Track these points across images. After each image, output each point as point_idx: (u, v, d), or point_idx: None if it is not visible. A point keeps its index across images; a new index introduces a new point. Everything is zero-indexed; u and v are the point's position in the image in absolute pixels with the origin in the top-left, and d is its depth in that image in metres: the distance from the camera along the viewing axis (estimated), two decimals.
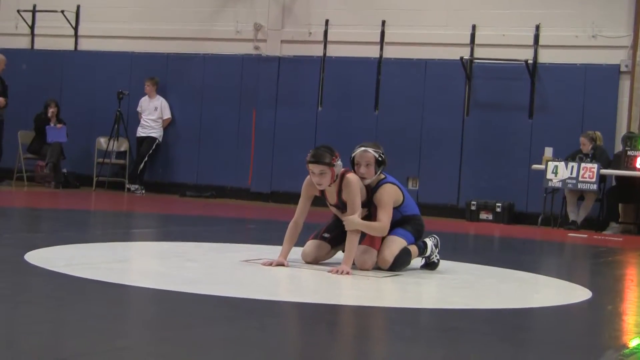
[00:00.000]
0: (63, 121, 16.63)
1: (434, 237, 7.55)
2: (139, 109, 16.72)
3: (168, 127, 16.81)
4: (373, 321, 5.35)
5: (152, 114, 16.62)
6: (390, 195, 7.21)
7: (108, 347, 4.10)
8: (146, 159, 16.53)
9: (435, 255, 7.47)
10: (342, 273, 6.67)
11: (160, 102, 16.69)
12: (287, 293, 5.94)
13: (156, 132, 16.66)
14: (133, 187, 16.50)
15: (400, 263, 7.14)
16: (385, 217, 7.08)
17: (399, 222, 7.30)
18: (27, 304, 5.15)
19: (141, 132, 16.69)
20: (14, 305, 5.08)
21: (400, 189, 7.42)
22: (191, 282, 6.01)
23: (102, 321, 4.72)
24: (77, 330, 4.49)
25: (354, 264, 6.94)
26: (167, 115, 16.72)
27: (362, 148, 7.30)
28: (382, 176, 7.35)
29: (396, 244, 7.14)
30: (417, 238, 7.35)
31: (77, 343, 4.16)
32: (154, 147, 16.58)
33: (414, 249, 7.29)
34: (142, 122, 16.68)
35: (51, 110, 16.40)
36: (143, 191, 16.44)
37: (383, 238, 7.14)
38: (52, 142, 16.29)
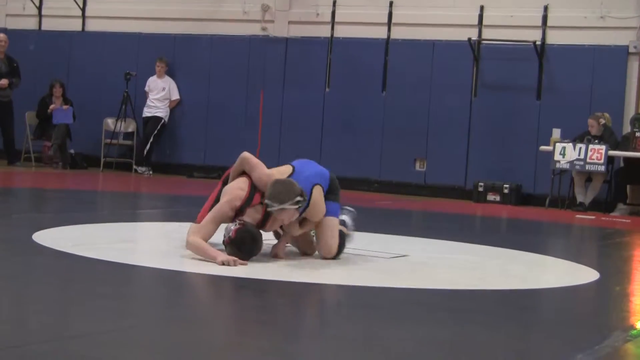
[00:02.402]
0: (70, 101, 16.64)
1: (352, 210, 7.11)
2: (146, 88, 16.71)
3: (175, 108, 16.80)
4: (380, 301, 5.35)
5: (159, 94, 16.61)
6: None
7: (115, 327, 4.11)
8: (152, 139, 16.53)
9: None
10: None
11: (168, 82, 16.67)
12: (294, 273, 5.94)
13: (162, 112, 16.65)
14: (140, 169, 16.51)
15: (341, 250, 6.69)
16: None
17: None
18: (35, 283, 5.16)
19: (147, 112, 16.69)
20: (22, 285, 5.09)
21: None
22: (197, 262, 6.01)
23: (109, 301, 4.73)
24: (84, 309, 4.50)
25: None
26: (176, 96, 16.71)
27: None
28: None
29: (337, 230, 6.64)
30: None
31: (85, 322, 4.17)
32: (159, 126, 16.57)
33: (344, 230, 6.82)
34: (148, 102, 16.66)
35: (55, 90, 16.45)
36: (150, 172, 16.45)
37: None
38: (58, 124, 16.31)
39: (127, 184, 14.78)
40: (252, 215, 6.23)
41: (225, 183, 6.56)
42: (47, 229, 7.12)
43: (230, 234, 6.06)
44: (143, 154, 16.57)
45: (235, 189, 6.27)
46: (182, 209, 11.01)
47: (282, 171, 6.49)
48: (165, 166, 16.81)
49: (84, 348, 3.68)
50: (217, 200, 6.45)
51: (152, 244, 7.49)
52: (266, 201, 6.18)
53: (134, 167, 16.64)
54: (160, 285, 5.52)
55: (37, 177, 14.87)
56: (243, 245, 6.05)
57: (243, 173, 6.40)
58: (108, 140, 16.84)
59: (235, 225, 6.11)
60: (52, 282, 5.25)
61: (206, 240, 6.13)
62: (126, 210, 10.48)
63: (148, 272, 5.77)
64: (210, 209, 6.35)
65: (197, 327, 4.25)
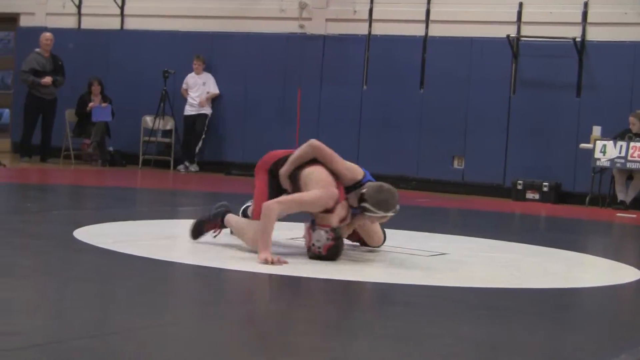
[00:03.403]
0: (109, 99, 16.75)
1: None
2: (184, 86, 16.75)
3: (214, 105, 16.84)
4: (418, 299, 5.34)
5: (199, 89, 16.64)
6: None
7: (155, 323, 4.12)
8: (204, 136, 16.61)
9: None
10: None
11: (207, 78, 16.70)
12: (333, 271, 5.93)
13: (206, 109, 16.69)
14: (192, 167, 16.54)
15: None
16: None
17: None
18: (76, 279, 5.20)
19: (190, 110, 16.69)
20: (63, 281, 5.13)
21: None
22: (237, 259, 6.02)
23: (149, 297, 4.75)
24: (124, 305, 4.52)
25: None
26: (215, 90, 16.70)
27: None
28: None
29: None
30: None
31: (125, 318, 4.19)
32: (207, 123, 16.65)
33: None
34: (189, 100, 16.69)
35: (94, 88, 16.57)
36: (192, 169, 16.51)
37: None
38: (97, 121, 16.42)
39: (166, 181, 14.85)
40: (339, 213, 6.15)
41: (271, 171, 6.38)
42: (87, 226, 7.17)
43: (321, 250, 6.06)
44: (195, 151, 16.62)
45: (330, 187, 6.08)
46: None
47: (358, 170, 6.36)
48: (203, 164, 16.86)
49: (124, 344, 3.70)
50: (271, 190, 6.30)
51: (192, 241, 7.50)
52: (368, 206, 6.11)
53: (185, 164, 16.63)
54: (200, 282, 5.54)
55: (77, 174, 14.97)
56: (329, 259, 6.09)
57: (312, 162, 6.24)
58: (146, 138, 16.93)
59: (327, 239, 6.05)
60: (92, 279, 5.28)
61: (278, 218, 6.03)
62: (165, 207, 10.52)
63: (188, 269, 5.79)
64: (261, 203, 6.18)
65: (237, 325, 4.25)
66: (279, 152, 6.52)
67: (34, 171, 14.70)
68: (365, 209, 6.14)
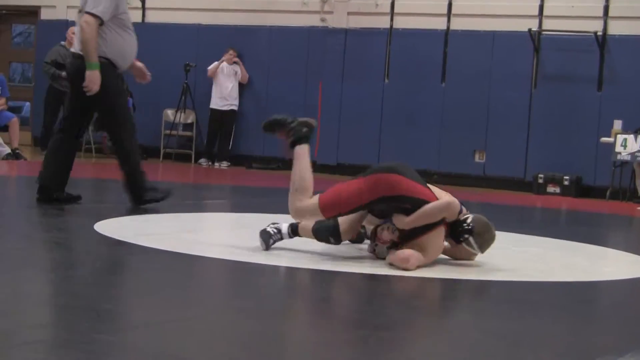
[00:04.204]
0: (129, 93, 16.76)
1: None
2: (212, 67, 16.61)
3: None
4: (442, 293, 5.33)
5: (231, 77, 16.60)
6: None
7: (177, 317, 4.12)
8: (233, 133, 16.69)
9: None
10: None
11: (239, 68, 16.69)
12: (356, 265, 5.92)
13: (236, 104, 16.69)
14: (224, 164, 16.56)
15: None
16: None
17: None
18: (97, 273, 5.21)
19: (221, 104, 16.64)
20: (85, 275, 5.14)
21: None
22: (259, 252, 6.03)
23: (171, 290, 4.76)
24: (146, 299, 4.53)
25: None
26: (245, 74, 16.68)
27: None
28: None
29: None
30: None
31: (147, 312, 4.20)
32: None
33: None
34: (220, 93, 16.61)
35: None
36: (218, 165, 16.53)
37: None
38: None
39: (187, 174, 14.87)
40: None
41: (383, 199, 5.80)
42: (108, 219, 7.19)
43: (371, 252, 6.02)
44: (227, 150, 16.64)
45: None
46: (243, 200, 11.06)
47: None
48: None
49: (148, 338, 3.70)
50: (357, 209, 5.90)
51: (214, 234, 7.53)
52: (471, 241, 5.96)
53: (217, 164, 16.64)
54: (222, 276, 5.54)
55: (97, 167, 15.02)
56: None
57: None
58: (167, 131, 16.97)
59: (386, 257, 5.89)
60: (114, 272, 5.29)
61: None
62: (186, 200, 10.53)
63: (210, 263, 5.79)
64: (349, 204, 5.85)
65: (260, 319, 4.25)
66: (405, 184, 5.78)
67: None
68: (465, 241, 5.96)
